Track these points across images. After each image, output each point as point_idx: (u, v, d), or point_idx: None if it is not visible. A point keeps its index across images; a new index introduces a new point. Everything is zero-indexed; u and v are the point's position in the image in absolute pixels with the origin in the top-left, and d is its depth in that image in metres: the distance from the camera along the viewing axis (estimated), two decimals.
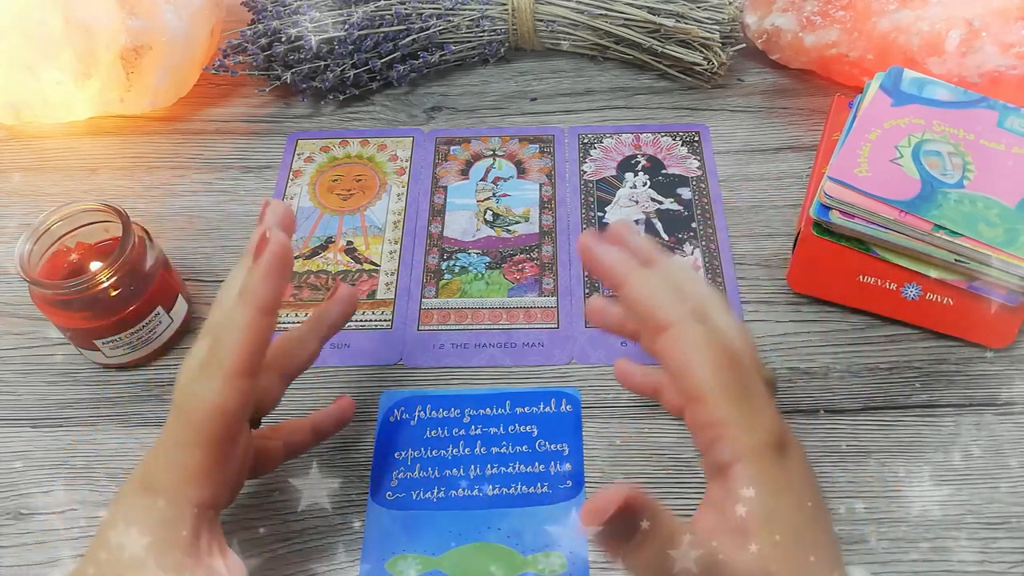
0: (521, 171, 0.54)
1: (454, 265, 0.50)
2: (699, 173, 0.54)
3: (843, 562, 0.30)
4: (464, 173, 0.55)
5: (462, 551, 0.39)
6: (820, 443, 0.41)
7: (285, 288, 0.33)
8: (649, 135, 0.56)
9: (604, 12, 0.57)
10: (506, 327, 0.47)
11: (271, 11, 0.58)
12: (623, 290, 0.32)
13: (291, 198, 0.53)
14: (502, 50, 0.60)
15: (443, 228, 0.51)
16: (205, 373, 0.32)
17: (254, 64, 0.58)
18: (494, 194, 0.53)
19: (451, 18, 0.58)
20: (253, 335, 0.32)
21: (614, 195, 0.53)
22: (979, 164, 0.43)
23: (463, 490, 0.41)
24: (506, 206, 0.52)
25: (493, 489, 0.40)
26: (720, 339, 0.31)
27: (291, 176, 0.55)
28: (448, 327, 0.47)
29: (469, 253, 0.50)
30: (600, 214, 0.52)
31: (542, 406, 0.43)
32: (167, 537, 0.31)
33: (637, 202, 0.52)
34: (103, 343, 0.43)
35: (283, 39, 0.57)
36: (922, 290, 0.44)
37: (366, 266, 0.50)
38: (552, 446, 0.42)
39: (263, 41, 0.57)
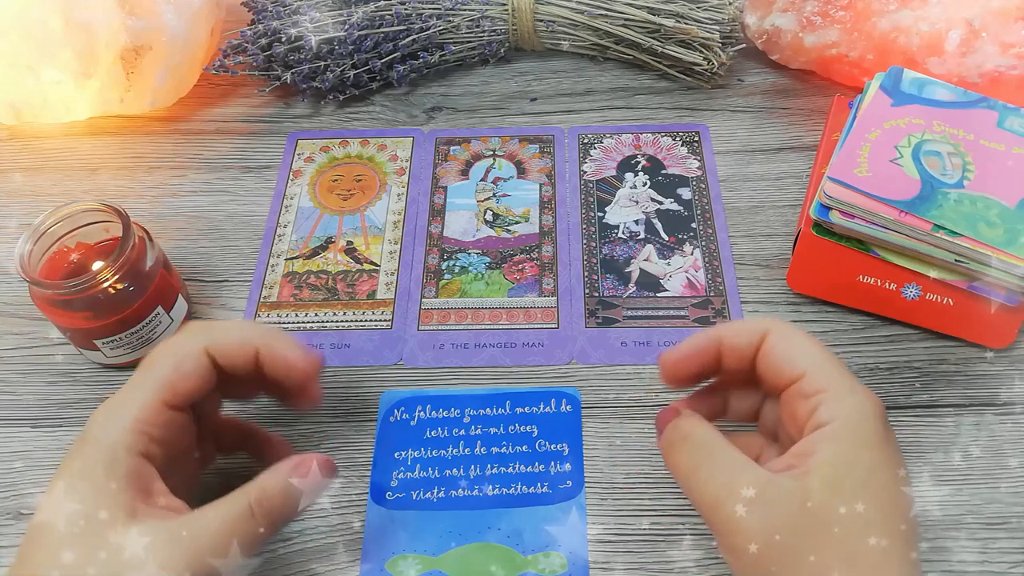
0: (521, 171, 0.54)
1: (454, 265, 0.50)
2: (699, 173, 0.54)
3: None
4: (464, 173, 0.55)
5: (462, 551, 0.39)
6: None
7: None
8: (649, 135, 0.56)
9: (604, 12, 0.57)
10: (506, 327, 0.47)
11: (271, 11, 0.58)
12: (720, 336, 0.35)
13: (291, 198, 0.53)
14: (502, 50, 0.60)
15: (443, 228, 0.51)
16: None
17: (254, 64, 0.58)
18: (494, 194, 0.53)
19: (451, 18, 0.58)
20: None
21: (614, 195, 0.53)
22: (979, 164, 0.43)
23: (463, 490, 0.41)
24: (506, 206, 0.52)
25: (493, 489, 0.40)
26: None
27: (291, 176, 0.55)
28: (448, 327, 0.47)
29: (469, 253, 0.50)
30: (600, 214, 0.52)
31: (542, 406, 0.43)
32: (105, 479, 0.31)
33: (637, 202, 0.52)
34: (103, 343, 0.43)
35: (283, 39, 0.57)
36: (922, 290, 0.44)
37: (366, 266, 0.50)
38: (552, 446, 0.42)
39: (263, 41, 0.57)
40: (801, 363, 0.33)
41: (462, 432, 0.43)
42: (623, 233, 0.51)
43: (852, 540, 0.29)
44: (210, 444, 0.38)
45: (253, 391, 0.39)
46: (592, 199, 0.53)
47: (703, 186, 0.53)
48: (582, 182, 0.54)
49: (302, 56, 0.56)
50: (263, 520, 0.32)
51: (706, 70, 0.57)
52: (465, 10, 0.58)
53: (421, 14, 0.58)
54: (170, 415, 0.33)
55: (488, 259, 0.50)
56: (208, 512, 0.31)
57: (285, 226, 0.52)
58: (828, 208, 0.43)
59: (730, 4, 0.57)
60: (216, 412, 0.38)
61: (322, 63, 0.57)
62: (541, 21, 0.58)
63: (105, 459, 0.31)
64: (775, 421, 0.36)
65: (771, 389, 0.35)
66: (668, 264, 0.49)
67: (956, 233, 0.41)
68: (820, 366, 0.33)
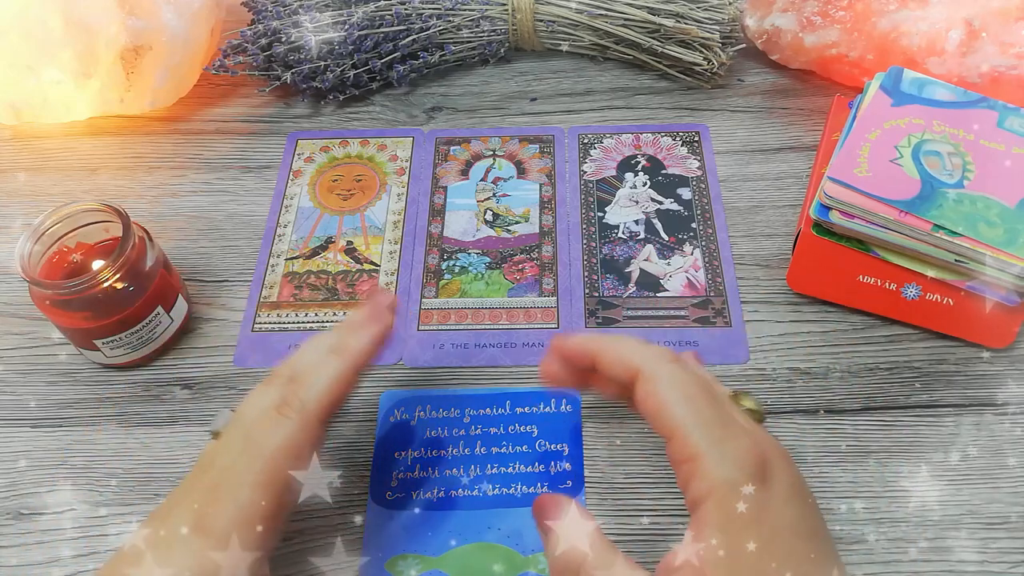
0: (521, 171, 0.54)
1: (454, 265, 0.50)
2: (699, 173, 0.54)
3: None
4: (464, 173, 0.55)
5: (462, 551, 0.39)
6: (820, 443, 0.41)
7: (374, 357, 0.37)
8: (649, 135, 0.56)
9: (604, 12, 0.57)
10: (506, 327, 0.47)
11: (271, 11, 0.58)
12: (598, 354, 0.34)
13: (291, 198, 0.53)
14: (502, 50, 0.60)
15: (443, 228, 0.52)
16: (284, 412, 0.33)
17: (254, 64, 0.58)
18: (494, 194, 0.53)
19: (451, 18, 0.58)
20: (342, 387, 0.34)
21: (614, 195, 0.53)
22: (979, 164, 0.43)
23: (463, 490, 0.41)
24: (506, 206, 0.53)
25: (493, 489, 0.41)
26: (690, 373, 0.32)
27: (291, 176, 0.55)
28: (448, 327, 0.47)
29: (469, 253, 0.50)
30: (600, 214, 0.52)
31: (542, 406, 0.43)
32: None
33: (637, 202, 0.52)
34: (103, 343, 0.43)
35: (283, 39, 0.57)
36: (922, 290, 0.44)
37: (366, 266, 0.50)
38: (552, 446, 0.42)
39: (263, 41, 0.57)
40: (670, 421, 0.31)
41: (462, 432, 0.43)
42: (623, 233, 0.51)
43: None
44: None
45: None
46: (592, 199, 0.53)
47: (703, 186, 0.53)
48: (582, 182, 0.54)
49: (302, 56, 0.56)
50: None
51: (706, 70, 0.57)
52: (465, 10, 0.58)
53: (421, 14, 0.58)
54: (287, 505, 0.32)
55: (488, 259, 0.50)
56: None
57: (285, 226, 0.52)
58: (828, 208, 0.43)
59: (730, 4, 0.57)
60: None
61: (322, 63, 0.57)
62: (541, 21, 0.58)
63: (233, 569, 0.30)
64: None
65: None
66: (668, 264, 0.49)
67: (956, 233, 0.41)
68: (688, 427, 0.30)
